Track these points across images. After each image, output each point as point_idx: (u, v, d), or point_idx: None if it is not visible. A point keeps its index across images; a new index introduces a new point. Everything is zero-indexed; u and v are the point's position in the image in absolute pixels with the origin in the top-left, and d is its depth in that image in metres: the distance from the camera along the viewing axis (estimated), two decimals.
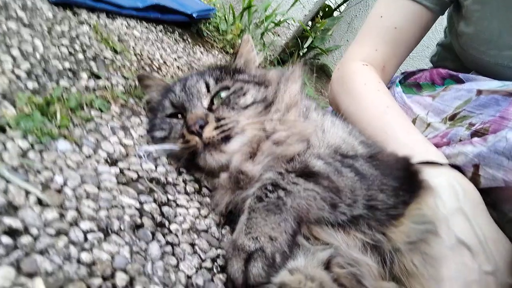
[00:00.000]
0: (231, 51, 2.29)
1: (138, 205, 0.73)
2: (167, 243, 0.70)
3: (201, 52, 2.01)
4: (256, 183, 0.81)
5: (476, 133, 0.91)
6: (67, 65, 0.99)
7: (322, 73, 3.23)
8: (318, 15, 2.83)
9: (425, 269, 0.73)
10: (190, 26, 2.20)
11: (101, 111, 0.92)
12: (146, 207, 0.74)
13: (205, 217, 0.85)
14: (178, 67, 1.56)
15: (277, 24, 2.50)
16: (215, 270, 0.72)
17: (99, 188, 0.70)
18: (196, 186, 0.92)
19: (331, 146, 0.86)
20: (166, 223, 0.75)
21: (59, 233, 0.57)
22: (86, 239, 0.59)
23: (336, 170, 0.78)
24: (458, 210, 0.78)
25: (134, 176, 0.80)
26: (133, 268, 0.60)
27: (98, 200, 0.68)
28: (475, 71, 1.28)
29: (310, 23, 2.98)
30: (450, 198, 0.80)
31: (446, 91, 1.15)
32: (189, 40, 2.05)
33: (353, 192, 0.74)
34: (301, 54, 2.91)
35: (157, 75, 1.26)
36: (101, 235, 0.61)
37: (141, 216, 0.71)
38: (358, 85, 1.22)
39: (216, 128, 0.86)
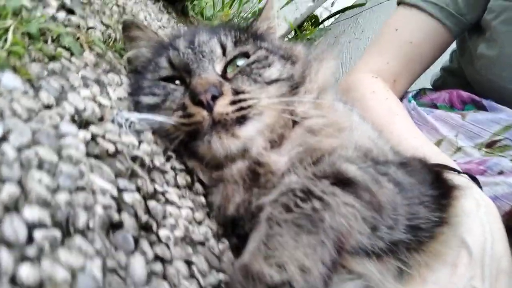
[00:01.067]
0: None
1: (115, 193, 0.47)
2: (156, 257, 0.45)
3: None
4: (278, 186, 0.60)
5: None
6: None
7: None
8: (307, 22, 2.68)
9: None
10: (175, 2, 1.95)
11: (71, 53, 0.65)
12: (127, 197, 0.48)
13: (200, 223, 0.60)
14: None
15: None
16: None
17: (59, 156, 0.43)
18: (188, 179, 0.67)
19: (361, 148, 0.68)
20: (154, 226, 0.49)
21: None
22: (30, 239, 0.33)
23: (374, 179, 0.59)
24: (476, 217, 0.67)
25: (111, 148, 0.54)
26: None
27: (57, 174, 0.41)
28: (490, 99, 1.19)
29: (293, 32, 2.84)
30: (470, 204, 0.68)
31: (476, 112, 1.04)
32: (174, 15, 1.80)
33: (394, 209, 0.57)
34: None
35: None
36: (57, 234, 0.35)
37: (119, 210, 0.46)
38: (366, 92, 1.12)
39: (233, 103, 0.63)
